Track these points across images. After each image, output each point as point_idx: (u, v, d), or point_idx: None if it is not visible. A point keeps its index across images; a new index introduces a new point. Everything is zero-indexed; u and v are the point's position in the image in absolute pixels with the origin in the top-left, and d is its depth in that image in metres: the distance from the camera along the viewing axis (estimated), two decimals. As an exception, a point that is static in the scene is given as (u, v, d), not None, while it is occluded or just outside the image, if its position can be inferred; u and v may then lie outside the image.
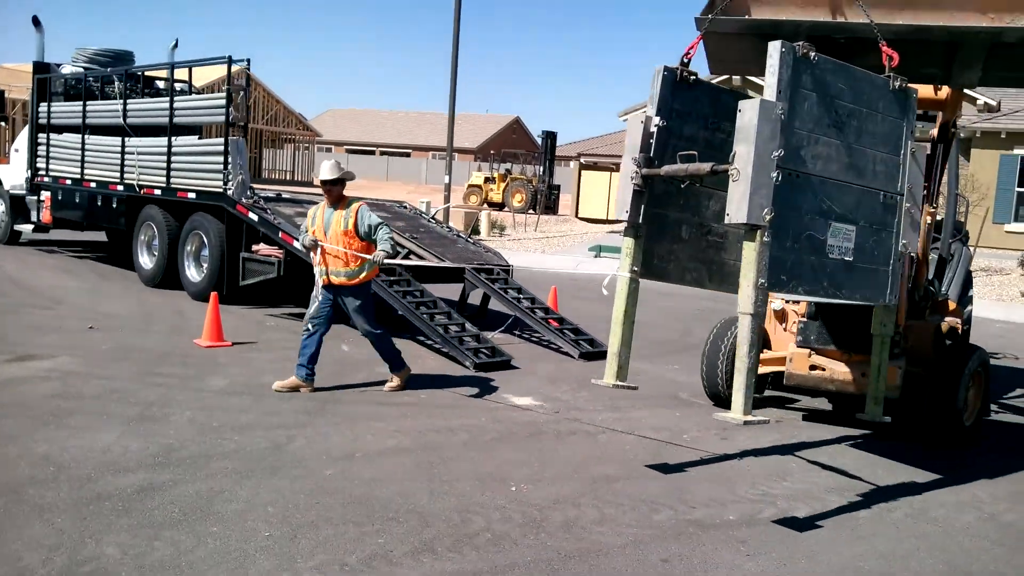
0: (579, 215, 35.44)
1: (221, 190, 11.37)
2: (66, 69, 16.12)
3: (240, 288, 11.21)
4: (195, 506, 5.07)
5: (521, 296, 10.84)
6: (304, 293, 11.88)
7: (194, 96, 14.92)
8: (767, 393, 8.51)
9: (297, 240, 10.37)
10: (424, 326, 9.50)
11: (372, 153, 69.95)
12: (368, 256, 7.65)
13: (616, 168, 41.60)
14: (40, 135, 15.69)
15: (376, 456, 6.19)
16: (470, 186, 39.20)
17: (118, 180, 13.45)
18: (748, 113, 5.16)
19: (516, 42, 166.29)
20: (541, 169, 37.65)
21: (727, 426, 7.08)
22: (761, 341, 6.77)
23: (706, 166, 5.41)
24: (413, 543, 4.76)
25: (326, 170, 7.69)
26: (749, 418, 5.17)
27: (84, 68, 15.91)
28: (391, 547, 4.69)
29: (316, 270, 7.79)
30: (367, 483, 5.63)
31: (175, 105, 12.48)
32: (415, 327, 9.80)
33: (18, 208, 16.78)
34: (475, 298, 11.81)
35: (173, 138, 12.42)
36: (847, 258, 5.78)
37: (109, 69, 15.39)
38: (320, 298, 7.80)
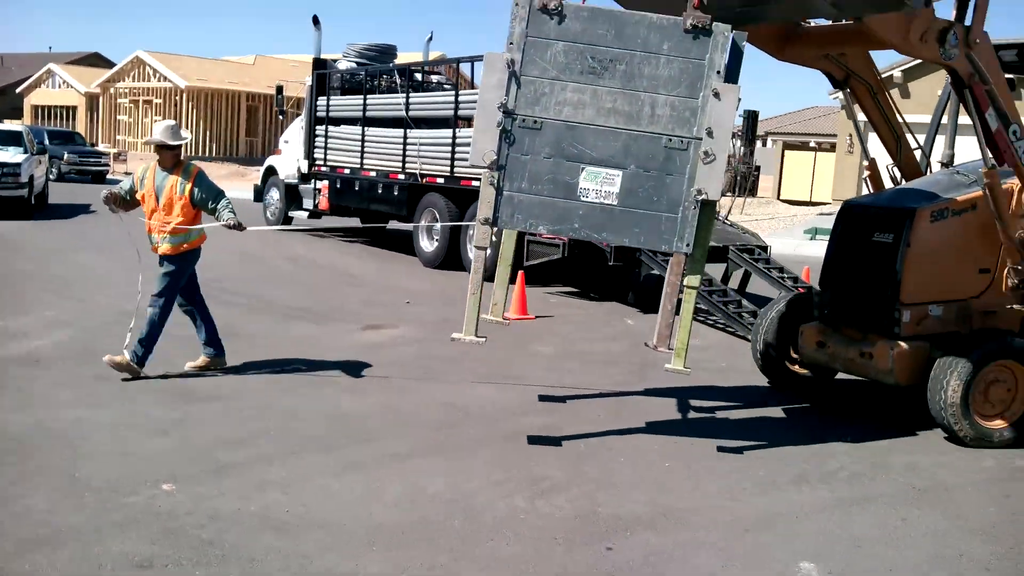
0: (780, 197, 35.47)
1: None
2: (341, 64, 17.75)
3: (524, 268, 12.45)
4: (604, 440, 6.24)
5: (784, 275, 11.61)
6: (584, 274, 13.07)
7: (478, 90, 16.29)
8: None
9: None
10: (708, 304, 10.42)
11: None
12: (191, 227, 7.30)
13: (816, 148, 41.53)
14: (318, 127, 17.32)
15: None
16: (669, 167, 39.75)
17: (399, 169, 14.97)
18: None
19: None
20: (742, 150, 37.75)
21: None
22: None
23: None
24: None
25: (165, 134, 7.28)
26: (460, 336, 6.00)
27: (356, 62, 17.45)
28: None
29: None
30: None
31: (460, 99, 13.84)
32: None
33: (291, 196, 18.70)
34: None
35: (458, 129, 13.75)
36: (608, 202, 5.81)
37: (390, 64, 16.91)
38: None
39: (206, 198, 7.31)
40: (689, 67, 5.74)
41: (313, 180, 17.69)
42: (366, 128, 15.89)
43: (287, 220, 18.94)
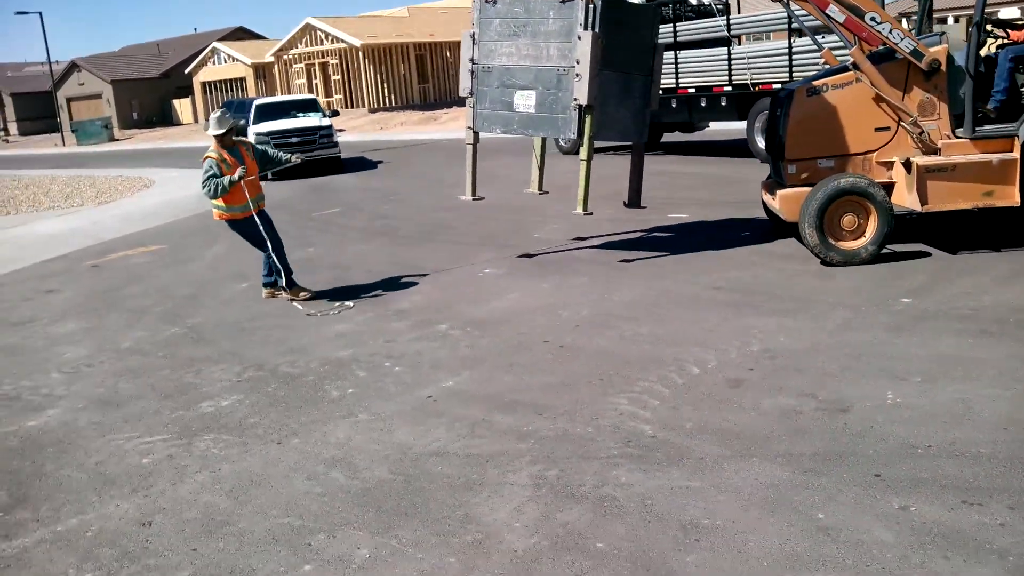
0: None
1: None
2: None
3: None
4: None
5: None
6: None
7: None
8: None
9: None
10: None
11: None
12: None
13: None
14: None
15: None
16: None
17: (725, 82, 17.20)
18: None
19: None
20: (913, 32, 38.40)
21: None
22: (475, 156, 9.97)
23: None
24: None
25: (218, 125, 8.63)
26: (465, 197, 10.09)
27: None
28: None
29: (239, 208, 8.77)
30: None
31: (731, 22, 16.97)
32: None
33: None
34: None
35: (794, 40, 15.83)
36: (530, 111, 9.17)
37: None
38: (259, 227, 8.83)
39: (263, 149, 9.29)
40: (566, 24, 8.88)
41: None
42: (678, 52, 17.98)
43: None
